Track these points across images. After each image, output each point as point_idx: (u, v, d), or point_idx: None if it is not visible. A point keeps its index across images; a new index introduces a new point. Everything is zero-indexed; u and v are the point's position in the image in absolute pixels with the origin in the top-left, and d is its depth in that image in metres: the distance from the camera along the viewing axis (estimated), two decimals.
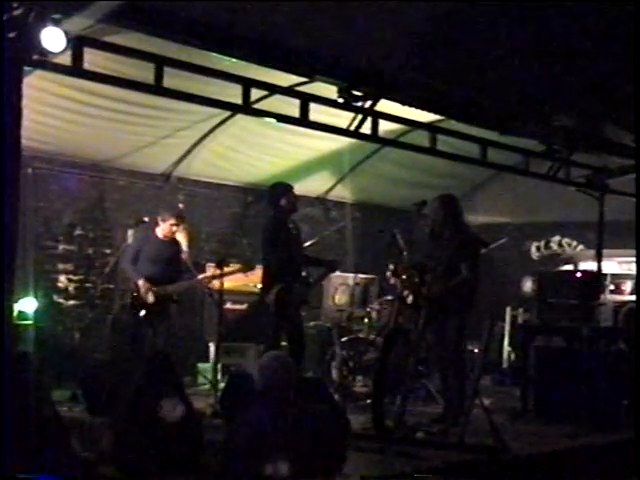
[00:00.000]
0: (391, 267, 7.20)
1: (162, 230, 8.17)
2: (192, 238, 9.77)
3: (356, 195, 11.82)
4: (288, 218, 7.74)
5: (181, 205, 10.00)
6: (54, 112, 8.05)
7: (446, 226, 7.29)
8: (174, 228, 8.15)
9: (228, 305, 9.17)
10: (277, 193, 7.75)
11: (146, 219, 8.47)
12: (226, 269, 8.00)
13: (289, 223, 7.74)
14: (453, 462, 5.96)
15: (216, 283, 8.01)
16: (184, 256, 8.29)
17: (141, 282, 7.96)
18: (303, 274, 7.76)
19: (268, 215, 7.93)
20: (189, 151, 9.71)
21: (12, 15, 4.99)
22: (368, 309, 9.13)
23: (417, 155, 8.73)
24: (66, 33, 5.28)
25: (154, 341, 8.04)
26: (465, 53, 6.88)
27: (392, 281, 7.34)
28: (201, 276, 8.30)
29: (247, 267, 8.21)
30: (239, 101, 6.55)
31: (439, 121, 8.25)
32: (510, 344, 10.27)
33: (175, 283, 8.15)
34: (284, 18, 6.00)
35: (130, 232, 8.90)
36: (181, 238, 8.70)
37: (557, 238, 12.49)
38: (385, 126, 7.60)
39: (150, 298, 7.95)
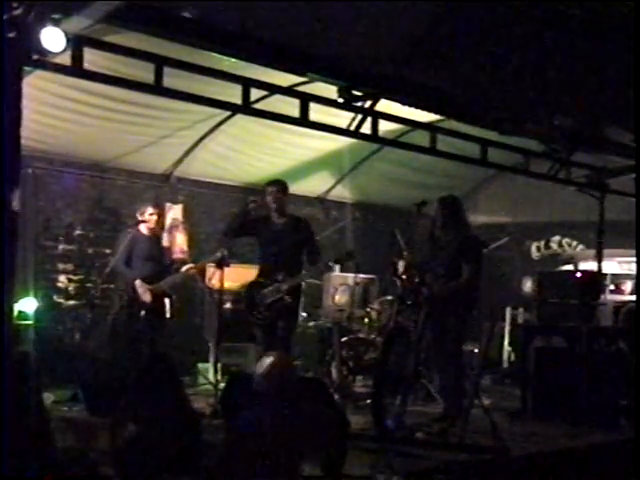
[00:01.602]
0: (400, 263, 7.13)
1: (146, 226, 8.23)
2: (191, 238, 9.82)
3: (356, 195, 11.82)
4: (273, 214, 7.60)
5: (180, 205, 10.04)
6: (54, 112, 8.05)
7: (447, 227, 7.28)
8: (154, 217, 8.21)
9: (228, 305, 9.17)
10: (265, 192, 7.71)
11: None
12: (199, 265, 8.39)
13: (275, 219, 7.60)
14: (453, 462, 5.96)
15: (216, 283, 8.02)
16: (182, 255, 8.34)
17: (138, 282, 8.03)
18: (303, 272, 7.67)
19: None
20: (189, 151, 9.71)
21: (12, 15, 4.99)
22: (368, 309, 9.12)
23: (417, 155, 8.74)
24: (66, 33, 5.28)
25: (153, 339, 8.08)
26: (465, 53, 6.88)
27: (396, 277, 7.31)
28: (185, 267, 8.37)
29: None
30: (239, 101, 6.55)
31: (439, 121, 8.25)
32: (510, 344, 10.27)
33: (165, 279, 8.24)
34: (284, 18, 6.00)
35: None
36: (180, 238, 8.72)
37: (557, 238, 12.49)
38: (385, 126, 7.60)
39: (147, 297, 8.01)
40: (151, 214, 8.24)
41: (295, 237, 7.58)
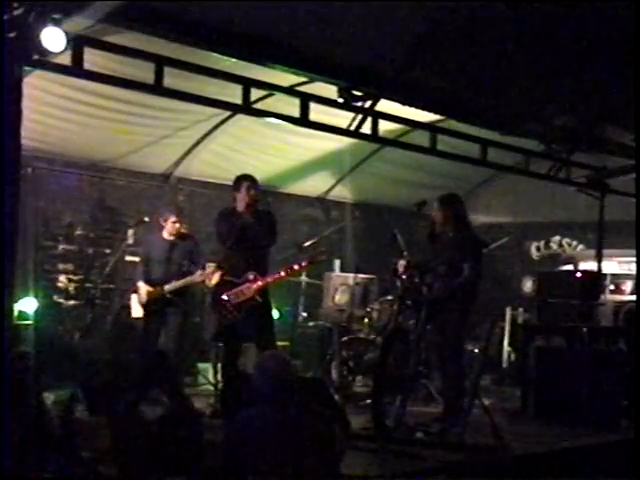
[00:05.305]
0: (400, 263, 7.07)
1: (167, 231, 8.06)
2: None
3: (356, 195, 11.82)
4: (241, 209, 7.37)
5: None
6: (54, 112, 8.06)
7: (448, 226, 7.26)
8: (177, 225, 8.03)
9: None
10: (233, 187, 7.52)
11: (146, 219, 8.46)
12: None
13: (243, 214, 7.35)
14: (453, 462, 5.96)
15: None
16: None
17: (140, 283, 7.94)
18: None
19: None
20: (189, 151, 9.72)
21: (12, 15, 5.00)
22: (368, 309, 9.12)
23: (417, 155, 8.73)
24: (66, 33, 5.29)
25: (158, 341, 7.96)
26: (465, 53, 6.88)
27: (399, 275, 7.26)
28: (198, 273, 8.12)
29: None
30: (239, 101, 6.55)
31: (439, 121, 8.26)
32: (510, 344, 10.25)
33: (170, 282, 7.96)
34: (284, 18, 6.00)
35: (130, 232, 8.92)
36: None
37: (557, 238, 12.49)
38: (385, 126, 7.60)
39: (144, 298, 7.88)
40: (174, 222, 7.98)
41: (262, 232, 7.38)
